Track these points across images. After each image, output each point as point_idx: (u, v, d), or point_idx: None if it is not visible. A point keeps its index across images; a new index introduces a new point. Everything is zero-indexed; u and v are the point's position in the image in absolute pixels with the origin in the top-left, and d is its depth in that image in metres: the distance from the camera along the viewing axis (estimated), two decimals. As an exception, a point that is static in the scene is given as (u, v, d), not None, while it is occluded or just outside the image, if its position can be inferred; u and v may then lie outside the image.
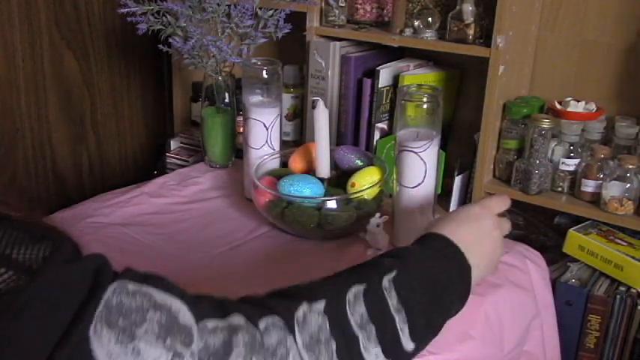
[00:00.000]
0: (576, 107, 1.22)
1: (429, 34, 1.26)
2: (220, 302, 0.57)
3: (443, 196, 1.29)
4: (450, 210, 1.29)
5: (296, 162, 1.15)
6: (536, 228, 1.30)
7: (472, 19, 1.20)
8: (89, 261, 0.47)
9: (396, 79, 1.33)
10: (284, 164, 1.19)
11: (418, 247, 0.75)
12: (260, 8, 1.26)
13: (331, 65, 1.34)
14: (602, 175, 1.14)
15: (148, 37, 1.29)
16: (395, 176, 1.02)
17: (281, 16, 1.25)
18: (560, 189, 1.20)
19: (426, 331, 0.68)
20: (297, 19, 1.31)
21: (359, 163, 1.13)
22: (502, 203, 0.85)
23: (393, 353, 0.63)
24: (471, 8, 1.20)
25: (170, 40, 1.25)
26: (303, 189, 1.04)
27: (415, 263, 0.70)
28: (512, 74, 1.23)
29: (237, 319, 0.55)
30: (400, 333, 0.63)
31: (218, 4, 1.23)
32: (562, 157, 1.19)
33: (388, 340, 0.62)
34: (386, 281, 0.65)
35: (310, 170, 1.13)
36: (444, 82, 1.35)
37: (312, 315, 0.59)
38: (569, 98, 1.24)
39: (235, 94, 1.35)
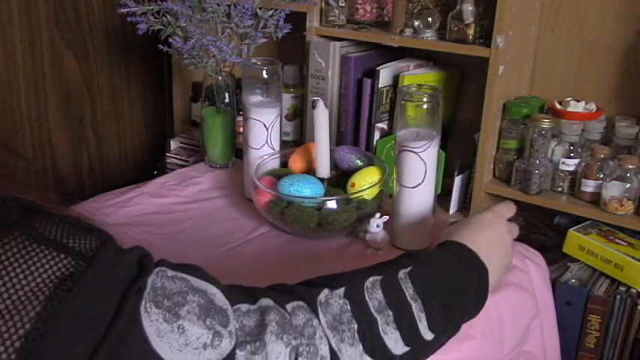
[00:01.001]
0: (576, 107, 1.22)
1: (429, 34, 1.26)
2: (249, 289, 0.61)
3: (443, 196, 1.29)
4: (450, 210, 1.30)
5: (296, 162, 1.15)
6: (536, 228, 1.30)
7: (472, 19, 1.20)
8: (134, 251, 0.52)
9: (396, 79, 1.33)
10: (284, 164, 1.19)
11: (437, 250, 0.78)
12: (260, 8, 1.26)
13: (331, 65, 1.34)
14: (602, 175, 1.14)
15: (148, 37, 1.29)
16: (395, 176, 1.02)
17: (281, 16, 1.25)
18: (560, 189, 1.20)
19: (444, 323, 0.70)
20: (297, 19, 1.31)
21: (359, 163, 1.13)
22: (510, 209, 0.90)
23: (412, 339, 0.66)
24: (471, 8, 1.20)
25: (170, 40, 1.25)
26: (303, 189, 1.04)
27: (431, 262, 0.73)
28: (512, 74, 1.23)
29: (267, 302, 0.58)
30: (418, 321, 0.66)
31: (218, 4, 1.23)
32: (562, 157, 1.19)
33: (406, 326, 0.65)
34: (401, 274, 0.69)
35: (310, 170, 1.13)
36: (444, 82, 1.36)
37: (334, 298, 0.62)
38: (569, 98, 1.24)
39: (235, 94, 1.35)
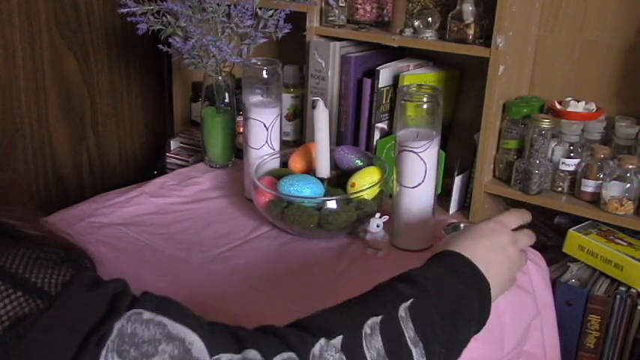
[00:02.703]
0: (576, 107, 1.22)
1: (429, 34, 1.26)
2: (235, 334, 0.54)
3: (443, 196, 1.29)
4: (450, 210, 1.29)
5: (296, 162, 1.15)
6: (536, 228, 1.30)
7: (472, 19, 1.20)
8: (109, 287, 0.47)
9: (396, 79, 1.33)
10: (284, 164, 1.19)
11: (435, 268, 0.73)
12: (260, 8, 1.26)
13: (331, 65, 1.34)
14: (602, 175, 1.14)
15: (148, 37, 1.29)
16: (395, 176, 1.02)
17: (281, 16, 1.25)
18: (560, 189, 1.20)
19: None
20: (297, 19, 1.31)
21: (359, 163, 1.13)
22: (519, 218, 0.85)
23: None
24: (471, 8, 1.20)
25: (170, 40, 1.25)
26: (303, 189, 1.04)
27: (432, 288, 0.68)
28: (512, 74, 1.23)
29: (252, 354, 0.53)
30: None
31: (218, 4, 1.23)
32: (562, 157, 1.19)
33: None
34: (402, 310, 0.64)
35: (310, 170, 1.13)
36: (444, 82, 1.35)
37: (329, 351, 0.57)
38: (569, 98, 1.24)
39: (235, 94, 1.35)
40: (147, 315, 0.47)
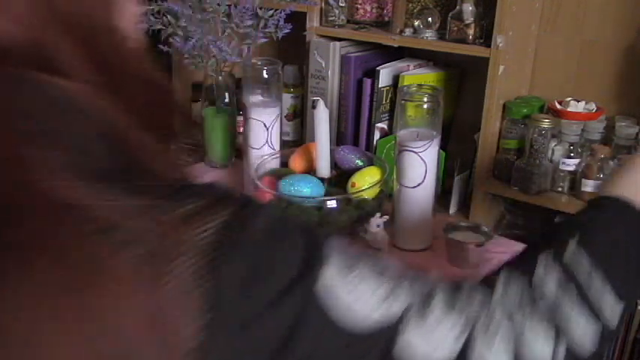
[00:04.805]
0: (576, 107, 1.22)
1: (429, 34, 1.26)
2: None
3: (443, 196, 1.29)
4: (450, 210, 1.29)
5: (296, 162, 1.15)
6: (536, 228, 1.30)
7: (472, 19, 1.20)
8: None
9: (396, 79, 1.33)
10: (284, 164, 1.19)
11: (595, 212, 0.64)
12: (260, 8, 1.26)
13: (331, 65, 1.34)
14: (602, 175, 1.14)
15: (148, 37, 1.28)
16: (395, 176, 1.02)
17: (281, 16, 1.25)
18: (560, 189, 1.20)
19: (633, 286, 0.59)
20: (297, 19, 1.31)
21: (359, 163, 1.13)
22: None
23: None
24: (471, 8, 1.20)
25: (170, 40, 1.25)
26: (303, 189, 1.04)
27: (599, 227, 0.60)
28: (512, 74, 1.23)
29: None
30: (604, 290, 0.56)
31: (218, 4, 1.23)
32: (562, 157, 1.19)
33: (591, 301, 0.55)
34: (572, 245, 0.56)
35: (310, 170, 1.13)
36: (444, 82, 1.35)
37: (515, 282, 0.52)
38: (569, 98, 1.24)
39: (235, 94, 1.35)
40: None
